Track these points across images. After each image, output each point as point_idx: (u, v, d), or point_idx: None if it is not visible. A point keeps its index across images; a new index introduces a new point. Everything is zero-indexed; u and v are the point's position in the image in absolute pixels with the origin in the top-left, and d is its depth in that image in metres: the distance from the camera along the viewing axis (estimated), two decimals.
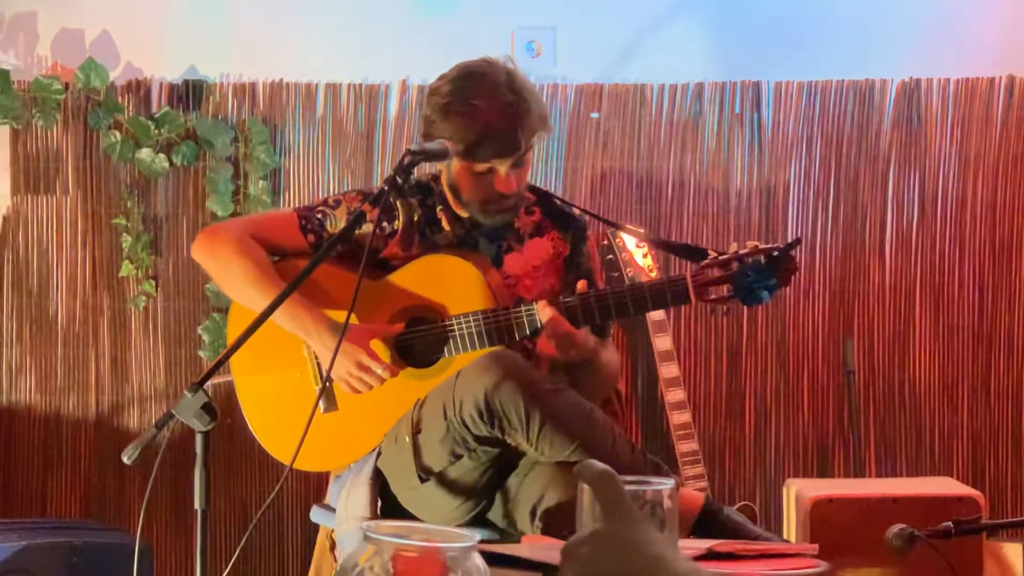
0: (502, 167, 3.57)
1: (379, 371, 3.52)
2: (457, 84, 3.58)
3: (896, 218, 5.07)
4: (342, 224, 3.62)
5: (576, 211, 3.89)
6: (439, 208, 3.73)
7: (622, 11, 5.09)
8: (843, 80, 5.06)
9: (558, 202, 3.88)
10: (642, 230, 4.65)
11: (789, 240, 3.46)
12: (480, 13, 5.07)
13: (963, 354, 5.08)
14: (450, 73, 3.63)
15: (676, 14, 5.10)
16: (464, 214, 3.71)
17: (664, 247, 4.24)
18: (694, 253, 3.51)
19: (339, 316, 3.46)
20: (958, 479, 4.85)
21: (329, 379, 3.52)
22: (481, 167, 3.57)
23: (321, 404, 3.54)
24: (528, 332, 3.50)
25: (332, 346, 3.38)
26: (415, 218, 3.70)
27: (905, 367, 5.08)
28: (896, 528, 3.26)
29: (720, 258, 3.42)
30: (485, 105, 3.52)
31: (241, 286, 3.62)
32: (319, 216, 3.69)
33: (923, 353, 5.08)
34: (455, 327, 3.54)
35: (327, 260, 3.44)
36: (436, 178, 3.75)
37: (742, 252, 3.41)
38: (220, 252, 3.65)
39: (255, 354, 3.55)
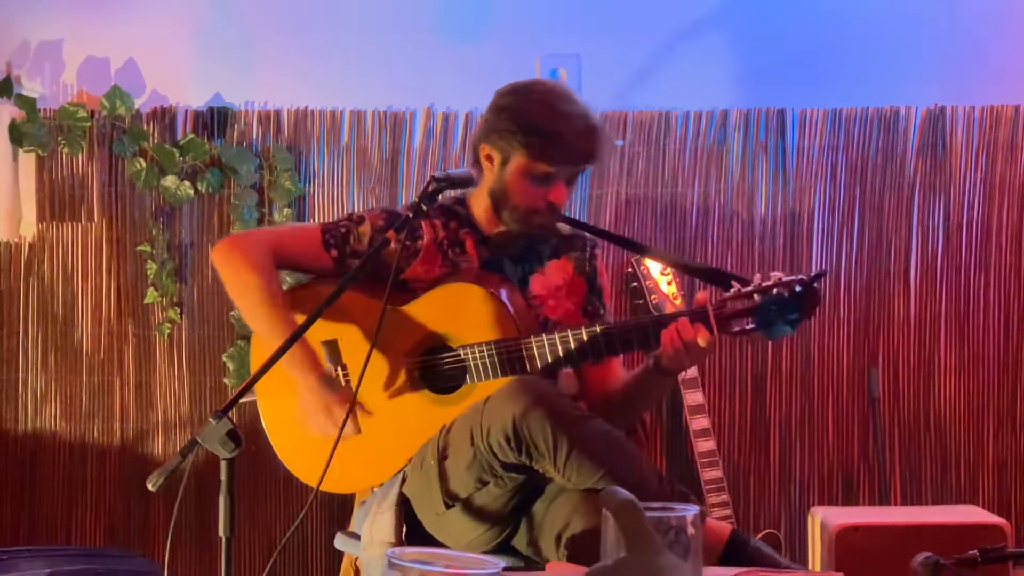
0: (564, 175, 3.57)
1: (329, 430, 3.49)
2: (539, 87, 3.62)
3: (921, 246, 5.06)
4: (365, 241, 3.62)
5: (569, 228, 3.84)
6: (463, 231, 3.73)
7: (646, 39, 5.11)
8: (867, 108, 5.06)
9: (567, 223, 3.85)
10: (661, 250, 4.63)
11: (813, 270, 3.43)
12: (505, 41, 5.08)
13: (988, 382, 5.07)
14: (522, 83, 3.66)
15: (700, 42, 5.11)
16: (495, 229, 3.69)
17: (687, 270, 4.22)
18: (718, 277, 3.50)
19: (361, 342, 3.52)
20: (984, 507, 4.83)
21: (355, 402, 3.50)
22: (545, 169, 3.54)
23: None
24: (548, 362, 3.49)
25: (314, 397, 3.49)
26: (438, 239, 3.69)
27: (930, 395, 5.07)
28: (922, 556, 3.24)
29: (743, 290, 3.40)
30: (567, 111, 3.53)
31: (250, 303, 3.61)
32: (342, 230, 3.67)
33: (948, 381, 5.07)
34: (465, 357, 3.53)
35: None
36: (461, 201, 3.75)
37: (765, 284, 3.39)
38: (234, 262, 3.63)
39: (278, 376, 3.54)
